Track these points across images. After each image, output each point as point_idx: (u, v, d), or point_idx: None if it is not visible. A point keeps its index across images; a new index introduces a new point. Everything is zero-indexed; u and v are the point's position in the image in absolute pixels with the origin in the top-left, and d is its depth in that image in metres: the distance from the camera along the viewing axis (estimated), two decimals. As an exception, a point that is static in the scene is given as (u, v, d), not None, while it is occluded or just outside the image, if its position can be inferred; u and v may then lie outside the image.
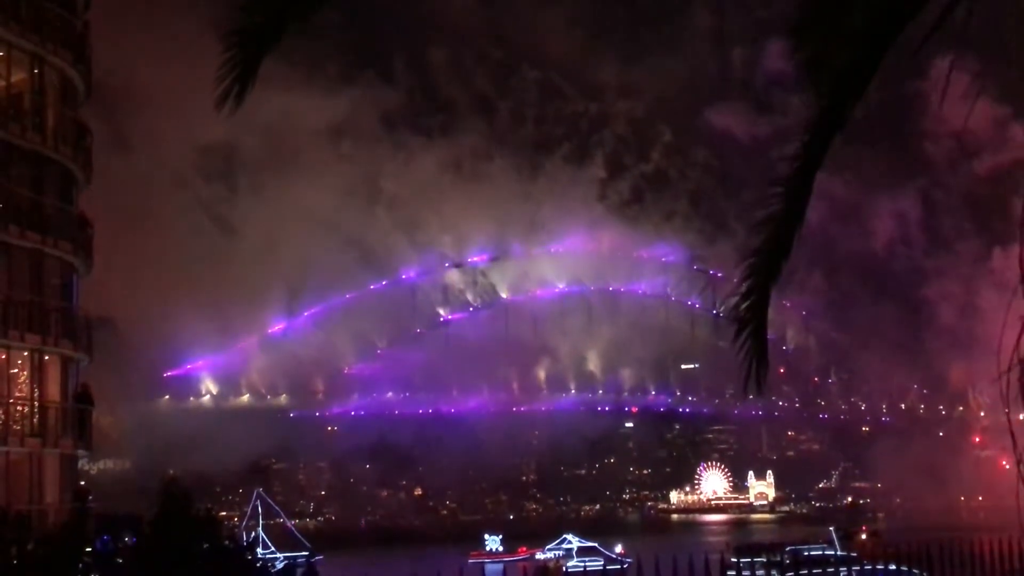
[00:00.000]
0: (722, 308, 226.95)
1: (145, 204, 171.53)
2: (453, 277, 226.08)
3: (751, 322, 8.21)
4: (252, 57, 8.23)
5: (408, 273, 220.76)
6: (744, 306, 8.22)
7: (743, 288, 8.26)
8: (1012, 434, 5.06)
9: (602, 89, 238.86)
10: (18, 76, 42.93)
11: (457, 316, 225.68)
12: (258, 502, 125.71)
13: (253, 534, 76.83)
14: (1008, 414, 5.03)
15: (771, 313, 8.69)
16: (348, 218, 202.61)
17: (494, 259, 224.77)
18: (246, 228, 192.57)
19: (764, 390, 8.52)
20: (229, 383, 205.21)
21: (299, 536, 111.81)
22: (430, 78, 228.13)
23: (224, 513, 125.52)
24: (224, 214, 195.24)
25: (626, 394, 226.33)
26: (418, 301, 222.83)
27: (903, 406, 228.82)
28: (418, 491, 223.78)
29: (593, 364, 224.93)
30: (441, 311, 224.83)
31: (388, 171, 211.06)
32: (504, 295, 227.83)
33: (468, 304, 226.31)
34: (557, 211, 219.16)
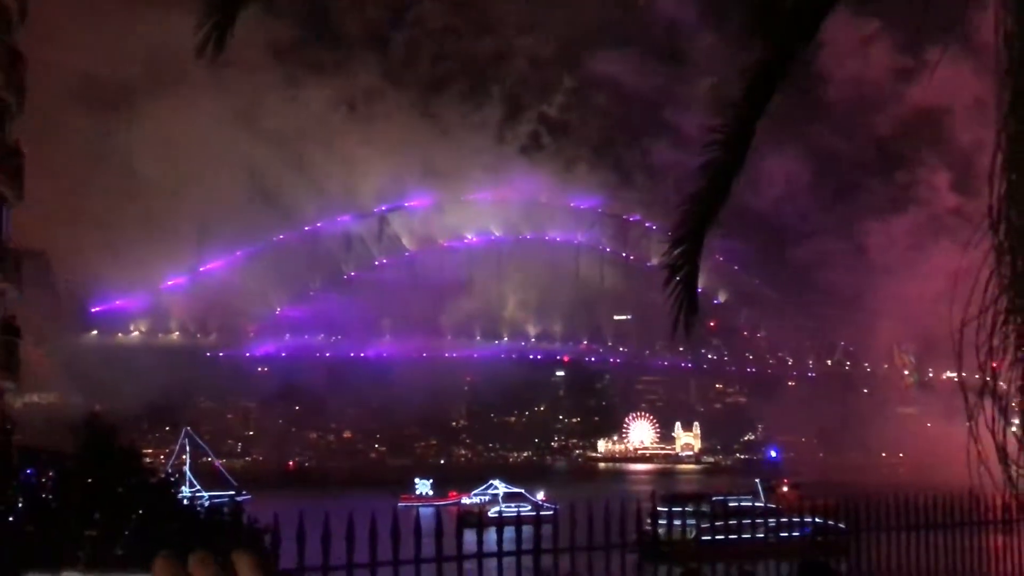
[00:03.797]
0: (634, 254, 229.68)
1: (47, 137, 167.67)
2: (384, 222, 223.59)
3: (683, 268, 8.13)
4: (231, 4, 7.97)
5: (342, 217, 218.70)
6: (677, 252, 8.13)
7: (677, 234, 8.16)
8: (964, 391, 5.01)
9: (501, 25, 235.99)
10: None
11: (390, 261, 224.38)
12: (186, 440, 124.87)
13: (179, 472, 76.30)
14: (960, 372, 4.97)
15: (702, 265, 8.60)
16: (256, 159, 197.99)
17: (420, 205, 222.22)
18: (148, 164, 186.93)
19: (693, 336, 8.46)
20: (158, 321, 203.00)
21: (226, 475, 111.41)
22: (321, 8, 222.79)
23: (150, 450, 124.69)
24: (121, 147, 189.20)
25: (558, 343, 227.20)
26: (352, 245, 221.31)
27: (829, 362, 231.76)
28: (347, 434, 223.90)
29: (524, 313, 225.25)
30: (375, 255, 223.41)
31: (274, 106, 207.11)
32: (438, 241, 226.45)
33: (402, 249, 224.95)
34: (460, 156, 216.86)
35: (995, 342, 4.93)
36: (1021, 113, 4.42)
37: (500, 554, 10.86)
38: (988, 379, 4.91)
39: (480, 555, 10.99)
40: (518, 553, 11.11)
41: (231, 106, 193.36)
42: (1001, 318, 4.84)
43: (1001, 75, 4.54)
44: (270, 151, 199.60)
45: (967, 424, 5.08)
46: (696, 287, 8.28)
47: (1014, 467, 5.16)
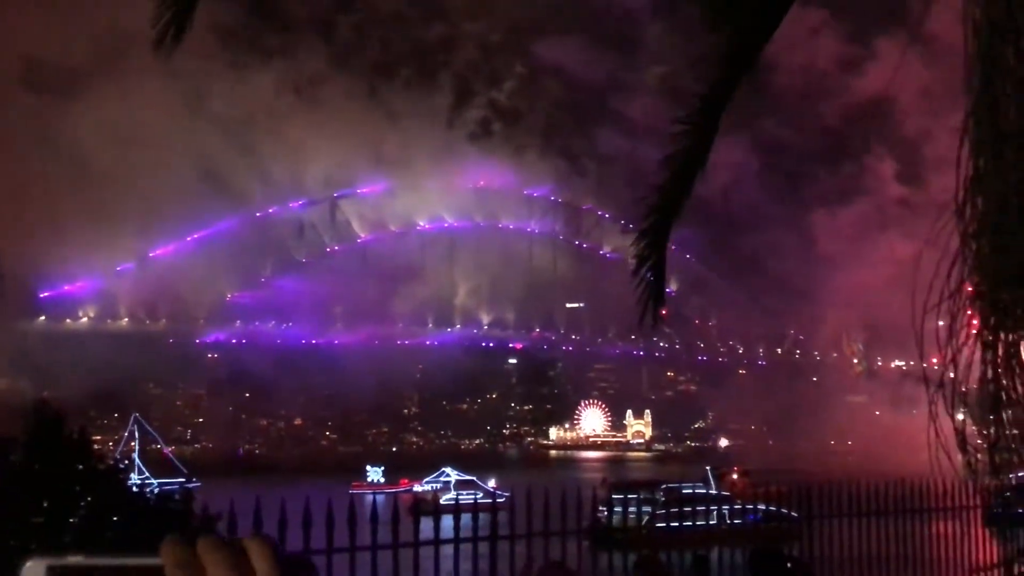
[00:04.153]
0: (587, 243, 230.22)
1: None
2: (335, 208, 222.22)
3: (650, 259, 8.18)
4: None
5: (293, 203, 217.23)
6: (644, 243, 8.18)
7: (644, 225, 8.22)
8: (926, 380, 5.05)
9: (450, 11, 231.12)
10: None
11: (341, 248, 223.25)
12: (135, 427, 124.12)
13: (127, 459, 75.63)
14: (922, 357, 5.01)
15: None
16: (203, 144, 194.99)
17: (371, 191, 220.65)
18: (94, 149, 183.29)
19: (661, 324, 8.53)
20: (107, 307, 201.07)
21: (176, 463, 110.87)
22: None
23: (99, 437, 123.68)
24: (67, 131, 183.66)
25: (510, 331, 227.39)
26: (304, 231, 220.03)
27: (779, 351, 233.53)
28: (298, 421, 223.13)
29: (477, 300, 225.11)
30: (327, 242, 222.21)
31: (221, 91, 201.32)
32: (390, 228, 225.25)
33: (354, 236, 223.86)
34: (410, 142, 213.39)
35: (958, 329, 4.99)
36: (989, 100, 4.47)
37: (456, 540, 10.89)
38: (949, 366, 4.97)
39: (437, 542, 11.03)
40: (474, 540, 11.15)
41: (178, 90, 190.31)
42: (966, 304, 4.89)
43: (969, 60, 4.58)
44: (218, 136, 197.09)
45: (929, 411, 5.13)
46: (664, 278, 8.35)
47: (973, 454, 5.23)
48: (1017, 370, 4.84)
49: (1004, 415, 4.95)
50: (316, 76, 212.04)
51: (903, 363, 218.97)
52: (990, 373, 4.92)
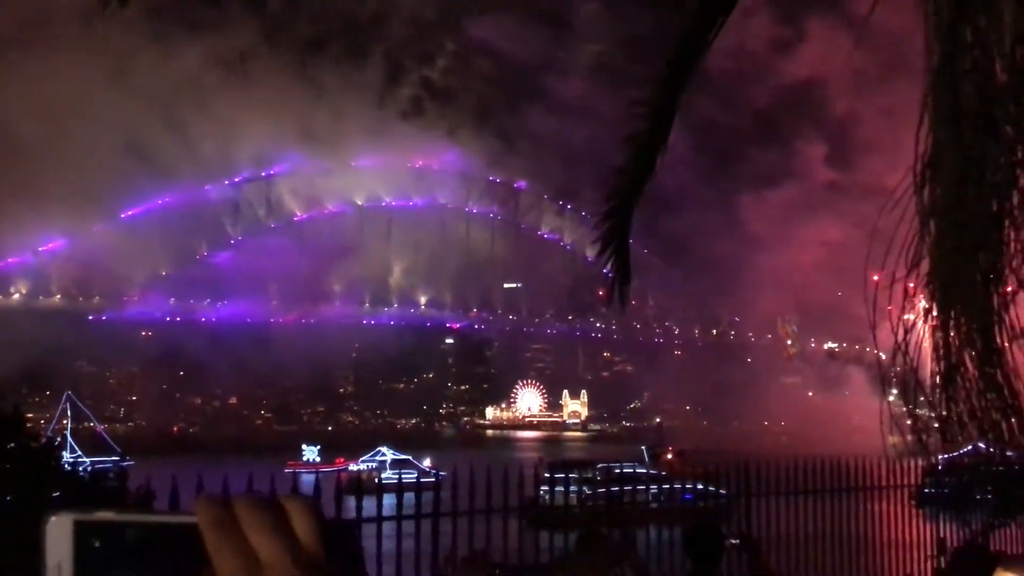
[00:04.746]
0: (525, 223, 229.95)
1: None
2: (271, 187, 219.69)
3: (614, 241, 8.26)
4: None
5: (229, 180, 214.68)
6: (608, 226, 8.26)
7: (607, 207, 8.29)
8: (879, 360, 5.17)
9: None
10: None
11: (277, 226, 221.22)
12: (67, 405, 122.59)
13: (60, 437, 74.67)
14: (875, 338, 5.13)
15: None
16: (134, 119, 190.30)
17: (306, 169, 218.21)
18: (21, 123, 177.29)
19: (626, 305, 8.63)
20: (38, 284, 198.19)
21: (109, 441, 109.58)
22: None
23: (31, 415, 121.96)
24: None
25: (447, 311, 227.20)
26: (240, 209, 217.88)
27: (715, 332, 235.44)
28: (232, 400, 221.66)
29: (414, 280, 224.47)
30: (262, 220, 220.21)
31: (149, 65, 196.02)
32: (326, 206, 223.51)
33: (290, 214, 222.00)
34: (345, 119, 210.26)
35: (911, 308, 5.09)
36: (948, 78, 4.55)
37: (399, 518, 10.96)
38: (900, 345, 5.06)
39: (380, 519, 11.10)
40: (417, 517, 11.23)
41: (103, 64, 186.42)
42: (922, 283, 4.99)
43: (928, 39, 4.66)
44: (145, 111, 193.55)
45: (883, 391, 5.25)
46: (628, 259, 8.44)
47: (925, 430, 5.34)
48: (969, 347, 4.96)
49: (955, 393, 5.06)
50: (246, 51, 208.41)
51: (835, 345, 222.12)
52: (942, 351, 5.02)
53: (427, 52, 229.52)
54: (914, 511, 17.25)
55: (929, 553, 16.18)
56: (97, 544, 1.23)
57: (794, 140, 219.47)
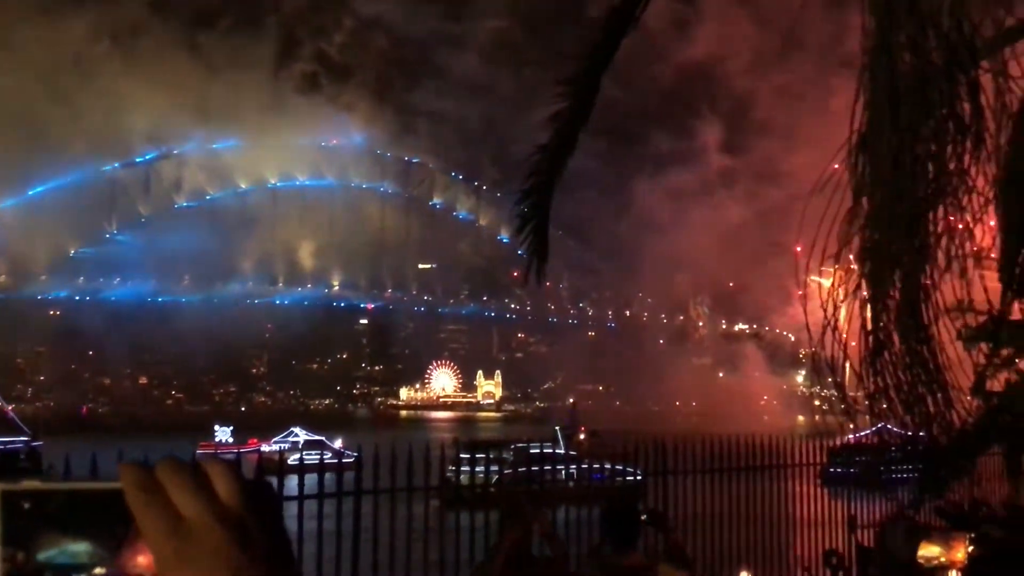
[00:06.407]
0: (416, 193, 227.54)
1: None
2: (179, 164, 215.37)
3: (533, 218, 8.32)
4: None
5: (141, 155, 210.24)
6: (527, 204, 8.31)
7: (527, 185, 8.34)
8: (829, 364, 5.33)
9: None
10: None
11: (189, 205, 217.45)
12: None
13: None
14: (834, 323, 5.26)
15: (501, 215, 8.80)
16: (24, 96, 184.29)
17: (217, 147, 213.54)
18: None
19: (543, 283, 8.72)
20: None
21: (18, 422, 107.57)
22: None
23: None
24: None
25: (361, 291, 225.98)
26: (151, 187, 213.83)
27: (628, 313, 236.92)
28: (143, 380, 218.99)
29: (327, 260, 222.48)
30: (172, 198, 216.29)
31: (36, 38, 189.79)
32: (239, 184, 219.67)
33: (201, 193, 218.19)
34: (248, 96, 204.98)
35: (844, 285, 5.21)
36: (885, 54, 4.65)
37: (321, 496, 11.02)
38: (830, 324, 5.18)
39: (301, 497, 11.16)
40: (339, 495, 11.30)
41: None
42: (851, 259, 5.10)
43: (866, 14, 4.75)
44: (36, 86, 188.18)
45: (813, 366, 5.39)
46: (547, 237, 8.51)
47: (850, 407, 5.47)
48: (898, 322, 5.10)
49: (882, 368, 5.19)
50: (134, 24, 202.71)
51: (746, 326, 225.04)
52: (871, 326, 5.14)
53: (323, 26, 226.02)
54: (821, 490, 17.67)
55: (842, 529, 16.60)
56: (26, 511, 1.27)
57: (692, 120, 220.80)
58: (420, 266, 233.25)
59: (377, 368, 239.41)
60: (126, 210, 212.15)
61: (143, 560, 1.28)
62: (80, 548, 1.28)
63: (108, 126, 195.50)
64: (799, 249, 5.71)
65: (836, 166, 5.24)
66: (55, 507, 1.28)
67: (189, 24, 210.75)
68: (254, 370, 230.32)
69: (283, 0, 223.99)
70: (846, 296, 5.21)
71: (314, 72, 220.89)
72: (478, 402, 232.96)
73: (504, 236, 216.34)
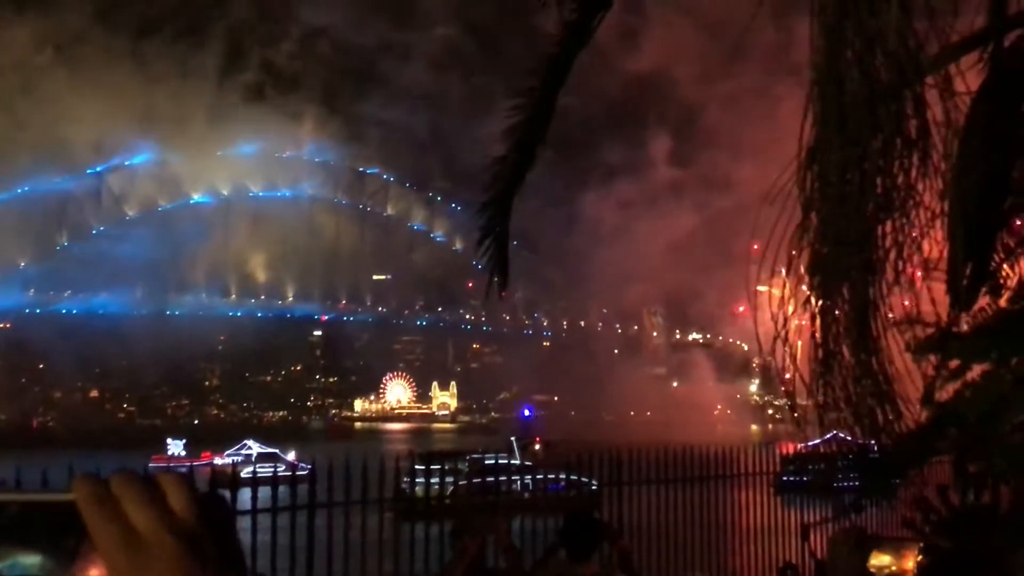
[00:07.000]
0: (371, 205, 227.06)
1: None
2: (131, 176, 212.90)
3: (494, 230, 8.31)
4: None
5: (89, 166, 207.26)
6: (488, 215, 8.31)
7: (487, 196, 8.34)
8: (783, 370, 5.38)
9: None
10: None
11: (140, 216, 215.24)
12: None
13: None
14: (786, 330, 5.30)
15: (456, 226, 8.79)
16: None
17: (164, 159, 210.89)
18: None
19: (503, 295, 8.71)
20: None
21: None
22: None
23: None
24: None
25: (315, 303, 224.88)
26: (103, 199, 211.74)
27: (582, 323, 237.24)
28: (94, 393, 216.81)
29: (280, 271, 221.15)
30: (124, 210, 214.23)
31: None
32: (190, 196, 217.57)
33: (152, 205, 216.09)
34: (183, 104, 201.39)
35: (794, 297, 5.25)
36: (833, 69, 4.69)
37: (274, 510, 10.98)
38: (781, 335, 5.22)
39: (255, 511, 11.09)
40: (292, 508, 11.26)
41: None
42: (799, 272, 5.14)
43: (813, 35, 4.80)
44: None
45: (776, 374, 5.44)
46: (507, 249, 8.50)
47: (796, 421, 5.53)
48: (847, 335, 5.15)
49: (831, 379, 5.25)
50: (78, 32, 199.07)
51: (699, 336, 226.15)
52: (821, 339, 5.20)
53: (269, 35, 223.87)
54: (774, 499, 17.79)
55: (795, 538, 16.70)
56: None
57: (641, 130, 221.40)
58: (374, 277, 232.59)
59: (331, 380, 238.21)
60: (77, 222, 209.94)
61: (96, 572, 1.28)
62: (33, 560, 1.28)
63: (52, 136, 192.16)
64: (752, 258, 5.75)
65: (785, 178, 5.27)
66: (7, 519, 1.27)
67: (134, 33, 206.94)
68: (207, 383, 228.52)
69: (229, 8, 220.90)
70: (796, 308, 5.27)
71: (261, 81, 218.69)
72: (433, 413, 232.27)
73: (458, 247, 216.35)
